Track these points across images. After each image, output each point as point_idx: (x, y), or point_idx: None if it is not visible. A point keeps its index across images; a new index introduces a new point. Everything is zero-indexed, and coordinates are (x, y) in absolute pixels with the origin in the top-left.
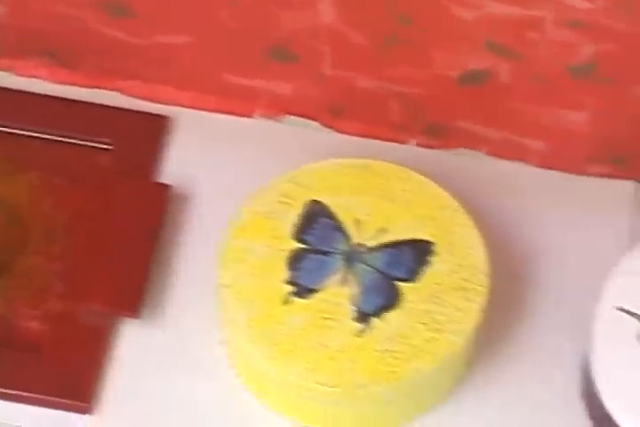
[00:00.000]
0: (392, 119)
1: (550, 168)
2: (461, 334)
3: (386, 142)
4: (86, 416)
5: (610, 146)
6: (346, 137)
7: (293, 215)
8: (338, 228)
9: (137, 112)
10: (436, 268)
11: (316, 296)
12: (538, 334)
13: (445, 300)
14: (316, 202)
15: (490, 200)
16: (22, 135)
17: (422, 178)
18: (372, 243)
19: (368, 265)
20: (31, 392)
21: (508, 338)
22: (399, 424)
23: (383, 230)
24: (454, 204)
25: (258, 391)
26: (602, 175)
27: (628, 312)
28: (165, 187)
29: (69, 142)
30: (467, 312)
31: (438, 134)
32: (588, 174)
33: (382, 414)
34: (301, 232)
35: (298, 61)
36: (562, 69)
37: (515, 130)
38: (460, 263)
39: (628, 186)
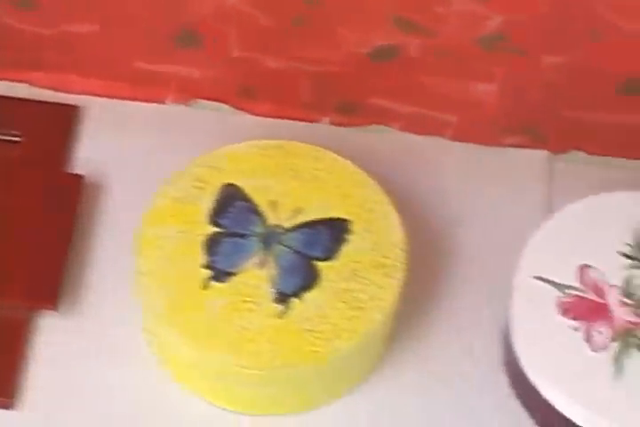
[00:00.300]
0: (303, 99)
1: (464, 141)
2: (382, 311)
3: (299, 122)
4: (8, 411)
5: (522, 116)
6: (258, 119)
7: (208, 199)
8: (253, 210)
9: (46, 103)
10: (354, 246)
11: (235, 279)
12: (458, 306)
13: (365, 277)
14: (230, 185)
15: (405, 175)
16: None
17: (336, 156)
18: (288, 224)
19: (285, 246)
20: None
21: (429, 311)
22: (322, 404)
23: (299, 211)
24: (369, 181)
25: (181, 378)
26: (515, 146)
27: (546, 280)
28: (78, 177)
29: None
30: (386, 289)
31: (350, 112)
32: (502, 145)
33: (306, 395)
34: (217, 216)
35: (205, 45)
36: (470, 42)
37: (427, 104)
38: (378, 240)
39: (541, 155)
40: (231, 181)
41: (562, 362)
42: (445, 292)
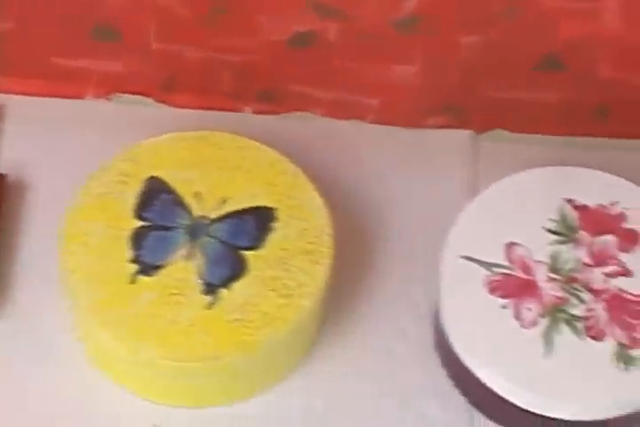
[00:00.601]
0: (224, 89)
1: (387, 124)
2: (312, 298)
3: (221, 112)
4: None
5: (443, 97)
6: (181, 110)
7: (133, 194)
8: (178, 202)
9: None
10: (281, 233)
11: (162, 273)
12: (389, 289)
13: (293, 264)
14: (154, 178)
15: (330, 161)
16: None
17: (260, 145)
18: (214, 214)
19: (212, 237)
20: None
21: (360, 295)
22: (256, 393)
23: (224, 201)
24: (293, 168)
25: (114, 375)
26: (438, 127)
27: (473, 260)
28: (1, 176)
29: None
30: (315, 275)
31: (272, 100)
32: (425, 127)
33: (238, 385)
34: (142, 210)
35: (124, 38)
36: (387, 25)
37: (347, 89)
38: (304, 227)
39: (464, 135)
40: (155, 174)
41: (492, 340)
42: (375, 275)
